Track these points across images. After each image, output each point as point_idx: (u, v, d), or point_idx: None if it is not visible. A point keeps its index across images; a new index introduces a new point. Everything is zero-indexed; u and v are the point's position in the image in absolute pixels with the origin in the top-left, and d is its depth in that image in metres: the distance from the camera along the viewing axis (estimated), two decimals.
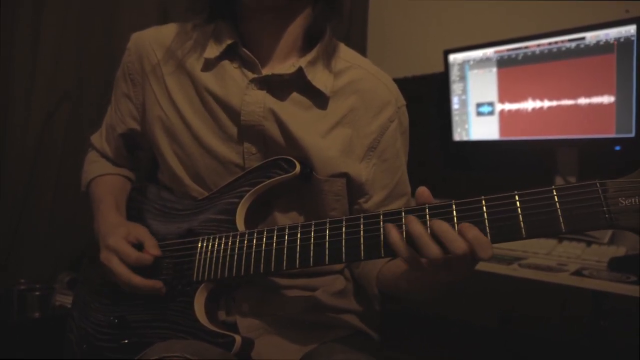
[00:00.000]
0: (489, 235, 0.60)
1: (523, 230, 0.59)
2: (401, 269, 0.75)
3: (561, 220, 0.57)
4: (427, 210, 0.64)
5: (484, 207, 0.61)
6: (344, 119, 0.85)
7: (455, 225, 0.61)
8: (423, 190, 0.64)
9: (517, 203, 0.59)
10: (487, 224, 0.60)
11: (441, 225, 0.60)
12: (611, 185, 0.55)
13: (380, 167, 0.88)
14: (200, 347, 0.74)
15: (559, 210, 0.57)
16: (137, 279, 0.80)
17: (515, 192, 0.60)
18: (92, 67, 1.46)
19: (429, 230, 0.61)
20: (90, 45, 1.46)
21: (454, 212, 0.62)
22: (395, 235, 0.62)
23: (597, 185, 0.56)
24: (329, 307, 0.89)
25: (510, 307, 1.74)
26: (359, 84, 0.87)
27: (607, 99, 1.38)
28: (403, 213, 0.66)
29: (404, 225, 0.63)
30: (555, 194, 0.58)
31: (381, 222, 0.67)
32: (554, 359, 1.60)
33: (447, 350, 1.77)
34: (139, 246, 0.83)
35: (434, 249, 0.59)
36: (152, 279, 0.81)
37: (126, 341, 0.84)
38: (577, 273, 1.10)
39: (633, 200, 0.54)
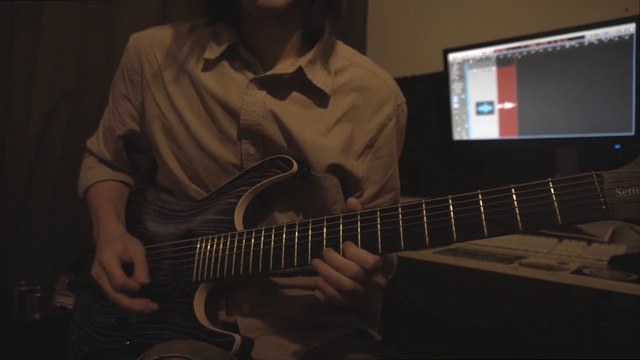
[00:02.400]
0: (485, 228, 0.60)
1: (520, 223, 0.59)
2: None
3: (557, 212, 0.57)
4: (423, 205, 0.64)
5: (481, 202, 0.61)
6: (344, 117, 0.85)
7: (452, 219, 0.62)
8: (353, 202, 0.72)
9: (514, 196, 0.59)
10: (483, 218, 0.60)
11: (328, 254, 0.69)
12: (608, 176, 0.55)
13: (374, 164, 0.88)
14: (201, 347, 0.74)
15: (555, 202, 0.57)
16: (126, 302, 0.79)
17: (512, 186, 0.60)
18: (92, 68, 1.46)
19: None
20: (90, 45, 1.46)
21: (451, 206, 0.63)
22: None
23: (593, 177, 0.56)
24: (329, 306, 0.89)
25: (510, 306, 1.74)
26: (358, 81, 0.87)
27: (605, 98, 1.38)
28: (400, 209, 0.66)
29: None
30: (551, 186, 0.58)
31: (378, 219, 0.67)
32: (554, 358, 1.60)
33: (447, 349, 1.77)
34: (131, 266, 0.82)
35: (346, 283, 0.68)
36: (141, 299, 0.80)
37: (127, 343, 0.84)
38: (578, 272, 1.09)
39: (630, 190, 0.53)
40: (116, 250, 0.82)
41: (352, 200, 0.72)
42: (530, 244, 1.30)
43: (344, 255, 0.68)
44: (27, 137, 1.36)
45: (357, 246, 0.68)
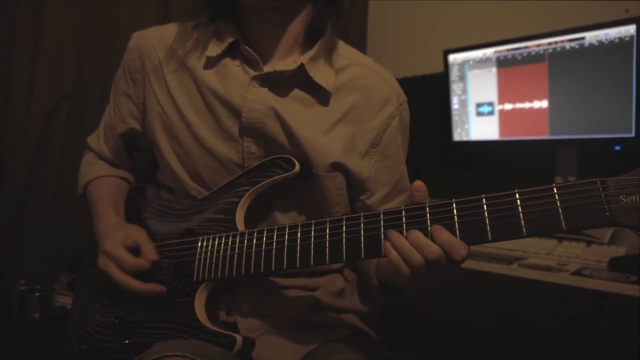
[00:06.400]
0: (489, 233, 0.60)
1: (524, 228, 0.59)
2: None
3: (562, 219, 0.57)
4: (427, 208, 0.64)
5: (485, 206, 0.61)
6: (346, 116, 0.86)
7: (456, 223, 0.62)
8: (419, 185, 0.66)
9: (518, 201, 0.59)
10: (487, 222, 0.60)
11: (412, 233, 0.63)
12: (612, 183, 0.55)
13: (382, 164, 0.88)
14: (201, 347, 0.74)
15: (559, 208, 0.57)
16: (135, 284, 0.80)
17: (516, 191, 0.60)
18: (92, 67, 1.46)
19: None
20: (90, 45, 1.46)
21: (454, 210, 0.62)
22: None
23: (597, 183, 0.56)
24: (329, 307, 0.89)
25: (509, 307, 1.74)
26: (360, 80, 0.87)
27: (606, 99, 1.38)
28: (403, 212, 0.66)
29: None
30: (556, 192, 0.58)
31: (382, 221, 0.67)
32: (553, 359, 1.60)
33: (447, 350, 1.77)
34: (137, 250, 0.83)
35: (417, 257, 0.62)
36: (152, 282, 0.81)
37: (127, 341, 0.84)
38: (577, 273, 1.10)
39: (634, 197, 0.53)
40: (118, 237, 0.82)
41: (418, 183, 0.67)
42: (530, 245, 1.30)
43: (432, 239, 0.62)
44: (27, 137, 1.36)
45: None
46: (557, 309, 1.52)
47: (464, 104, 1.68)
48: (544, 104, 1.50)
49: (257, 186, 0.82)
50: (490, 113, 1.62)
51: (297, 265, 0.72)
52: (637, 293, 1.00)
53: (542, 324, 1.65)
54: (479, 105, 1.64)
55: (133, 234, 0.84)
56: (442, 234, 0.62)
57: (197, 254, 0.82)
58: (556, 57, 1.46)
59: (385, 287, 0.85)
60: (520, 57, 1.52)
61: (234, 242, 0.79)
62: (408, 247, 0.63)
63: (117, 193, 0.96)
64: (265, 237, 0.76)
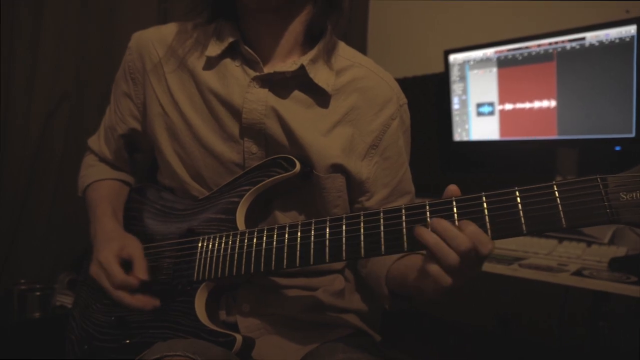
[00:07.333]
0: (489, 231, 0.60)
1: (524, 225, 0.59)
2: (409, 270, 0.74)
3: (562, 216, 0.57)
4: (427, 207, 0.64)
5: (485, 204, 0.61)
6: (345, 118, 0.85)
7: (456, 221, 0.62)
8: (454, 189, 0.64)
9: (518, 199, 0.59)
10: (487, 220, 0.61)
11: (440, 223, 0.60)
12: (612, 180, 0.55)
13: (382, 165, 0.88)
14: (202, 347, 0.74)
15: (559, 205, 0.57)
16: (125, 299, 0.79)
17: (516, 188, 0.60)
18: (92, 67, 1.46)
19: (430, 228, 0.61)
20: (90, 45, 1.46)
21: (455, 208, 0.62)
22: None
23: (598, 181, 0.56)
24: (329, 306, 0.89)
25: (509, 307, 1.74)
26: (360, 82, 0.87)
27: (606, 99, 1.38)
28: (403, 210, 0.66)
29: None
30: (556, 189, 0.58)
31: (381, 220, 0.67)
32: (553, 359, 1.60)
33: (447, 350, 1.77)
34: (130, 264, 0.82)
35: (452, 256, 0.59)
36: (143, 296, 0.80)
37: (127, 341, 0.84)
38: (578, 273, 1.09)
39: (634, 194, 0.53)
40: (113, 249, 0.82)
41: (452, 187, 0.64)
42: (530, 245, 1.30)
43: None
44: (27, 137, 1.36)
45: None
46: (557, 309, 1.52)
47: (464, 104, 1.68)
48: (545, 103, 1.50)
49: (257, 186, 0.82)
50: (491, 113, 1.62)
51: (297, 264, 0.72)
52: (638, 294, 1.00)
53: (542, 324, 1.65)
54: (479, 105, 1.64)
55: (129, 248, 0.83)
56: (469, 226, 0.59)
57: (198, 254, 0.82)
58: (563, 57, 1.45)
59: (397, 296, 0.83)
60: (520, 57, 1.52)
61: (234, 242, 0.79)
62: (440, 242, 0.60)
63: (116, 197, 0.96)
64: (266, 236, 0.76)
